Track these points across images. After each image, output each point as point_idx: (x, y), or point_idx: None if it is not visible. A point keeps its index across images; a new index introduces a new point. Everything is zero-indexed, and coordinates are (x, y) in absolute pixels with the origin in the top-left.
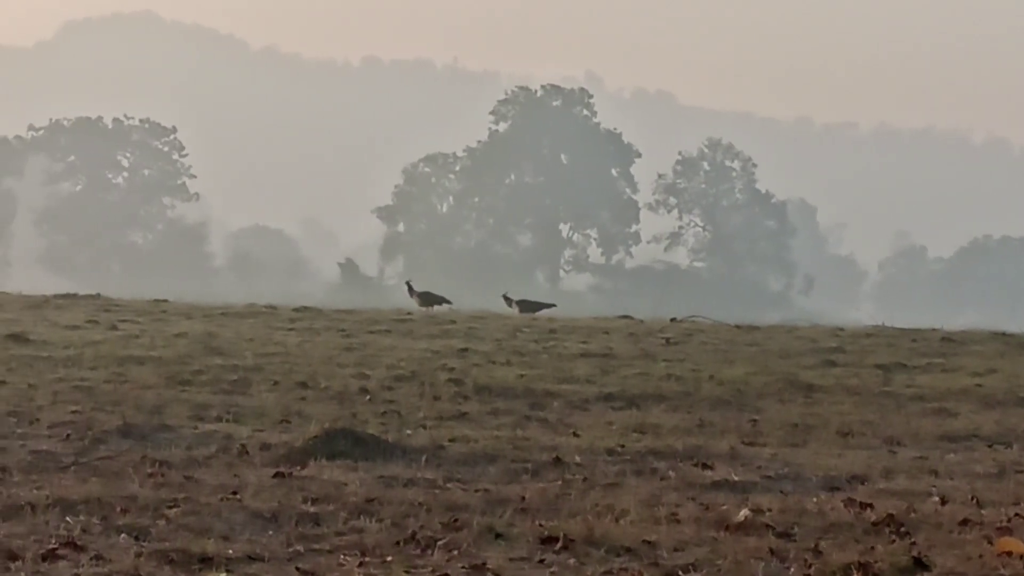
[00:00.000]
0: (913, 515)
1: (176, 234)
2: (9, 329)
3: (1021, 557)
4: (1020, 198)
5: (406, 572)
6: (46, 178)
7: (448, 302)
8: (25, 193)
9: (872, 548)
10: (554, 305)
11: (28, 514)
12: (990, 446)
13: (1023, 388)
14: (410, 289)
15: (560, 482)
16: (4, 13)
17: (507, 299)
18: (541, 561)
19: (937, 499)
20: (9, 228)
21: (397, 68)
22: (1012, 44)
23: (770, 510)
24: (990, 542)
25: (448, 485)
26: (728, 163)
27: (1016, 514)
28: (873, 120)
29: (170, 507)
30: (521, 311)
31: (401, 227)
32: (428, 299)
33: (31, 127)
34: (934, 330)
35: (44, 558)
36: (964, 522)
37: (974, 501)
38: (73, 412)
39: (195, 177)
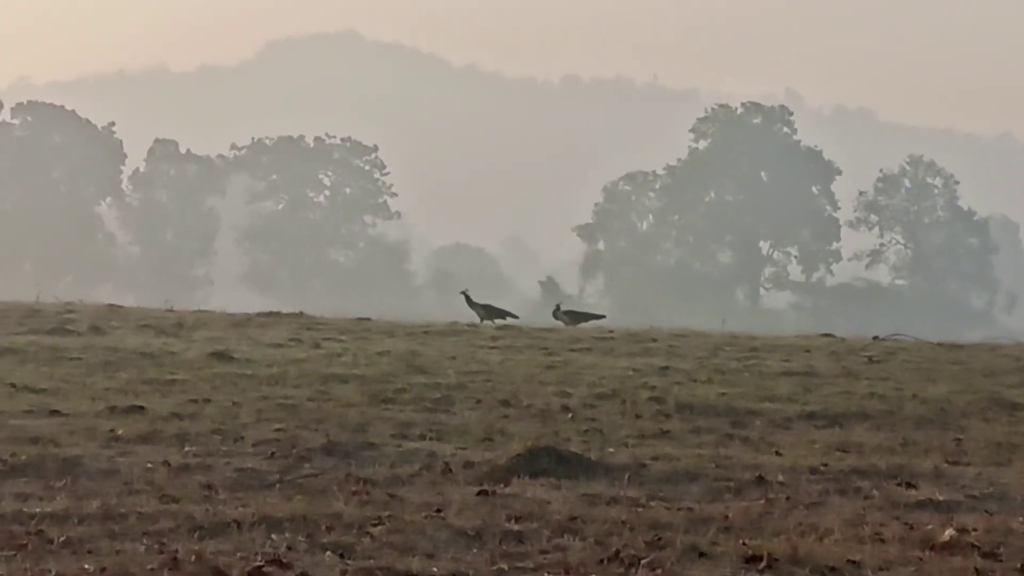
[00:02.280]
0: None
1: (378, 252)
2: (213, 347)
3: None
4: None
5: None
6: (248, 197)
7: (514, 316)
8: (228, 212)
9: None
10: (603, 316)
11: (234, 531)
12: None
13: None
14: (468, 300)
15: (763, 501)
16: (208, 33)
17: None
18: None
19: None
20: (212, 247)
21: (597, 86)
22: None
23: (975, 530)
24: None
25: (651, 503)
26: (929, 180)
27: None
28: None
29: (375, 525)
30: (570, 322)
31: (601, 245)
32: (490, 312)
33: (234, 146)
34: None
35: (250, 575)
36: None
37: None
38: (277, 430)
39: (396, 195)
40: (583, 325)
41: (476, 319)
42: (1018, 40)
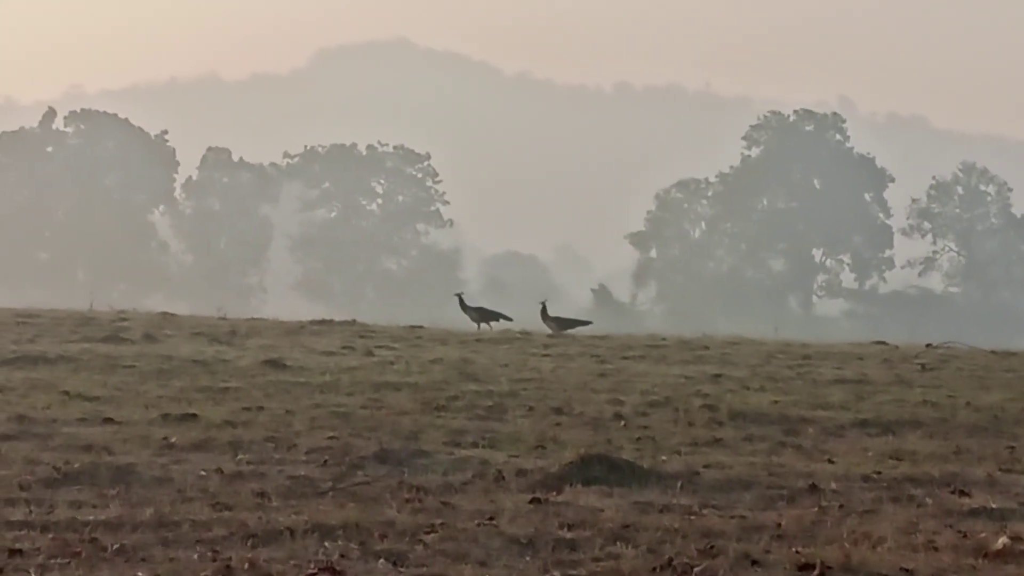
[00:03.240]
0: None
1: (430, 260)
2: (267, 355)
3: None
4: None
5: None
6: (301, 205)
7: (507, 318)
8: (280, 220)
9: None
10: (590, 322)
11: (287, 539)
12: None
13: None
14: (462, 303)
15: (816, 509)
16: (260, 42)
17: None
18: None
19: None
20: (265, 255)
21: (649, 94)
22: None
23: None
24: None
25: (704, 511)
26: (983, 187)
27: None
28: None
29: (427, 532)
30: (556, 328)
31: (653, 253)
32: (484, 315)
33: (286, 154)
34: None
35: None
36: None
37: None
38: (330, 438)
39: (448, 203)
40: (571, 331)
41: (470, 323)
42: None
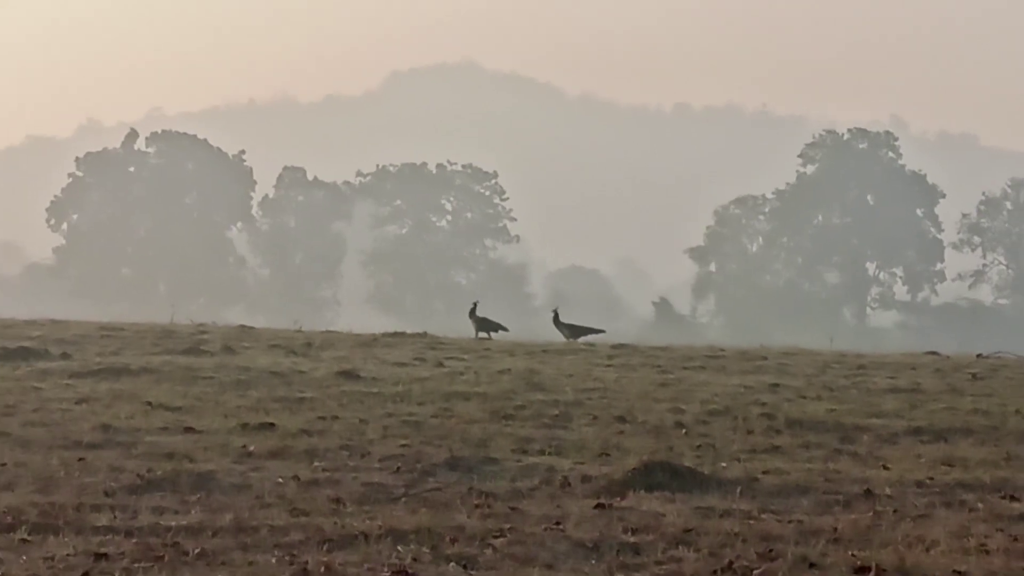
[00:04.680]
0: None
1: (497, 275)
2: (341, 366)
3: None
4: None
5: None
6: (373, 221)
7: (504, 328)
8: (354, 236)
9: None
10: (603, 331)
11: (361, 543)
12: None
13: None
14: (556, 320)
15: (871, 513)
16: (334, 65)
17: (556, 317)
18: None
19: None
20: (339, 269)
21: (707, 114)
22: None
23: None
24: None
25: (762, 516)
26: None
27: None
28: None
29: (496, 537)
30: (569, 335)
31: (712, 267)
32: (484, 325)
33: (359, 173)
34: None
35: None
36: None
37: None
38: (402, 446)
39: (515, 220)
40: (584, 338)
41: (562, 338)
42: None
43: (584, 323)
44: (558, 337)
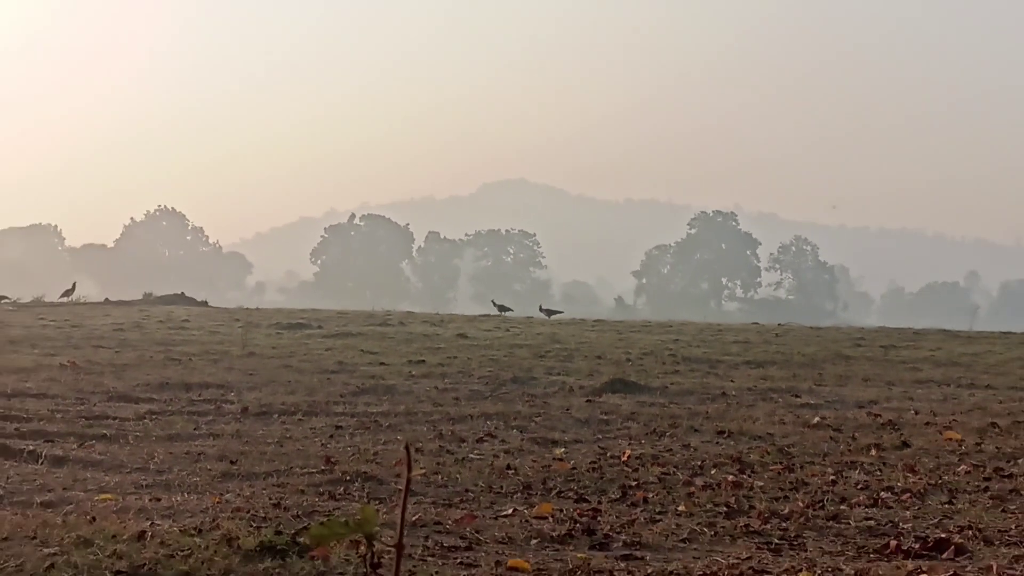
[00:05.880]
0: None
1: (536, 286)
2: (458, 331)
3: (958, 442)
4: None
5: None
6: (473, 258)
7: (560, 312)
8: (464, 266)
9: None
10: (562, 312)
11: (468, 420)
12: None
13: None
14: (540, 308)
15: (725, 405)
16: (440, 169)
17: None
18: None
19: None
20: (456, 283)
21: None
22: None
23: None
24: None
25: (670, 406)
26: None
27: (953, 420)
28: None
29: (537, 417)
30: (547, 314)
31: (644, 280)
32: (549, 312)
33: (466, 234)
34: None
35: None
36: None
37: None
38: (488, 371)
39: (544, 256)
40: (555, 316)
41: (545, 316)
42: None
43: (555, 308)
44: (557, 317)
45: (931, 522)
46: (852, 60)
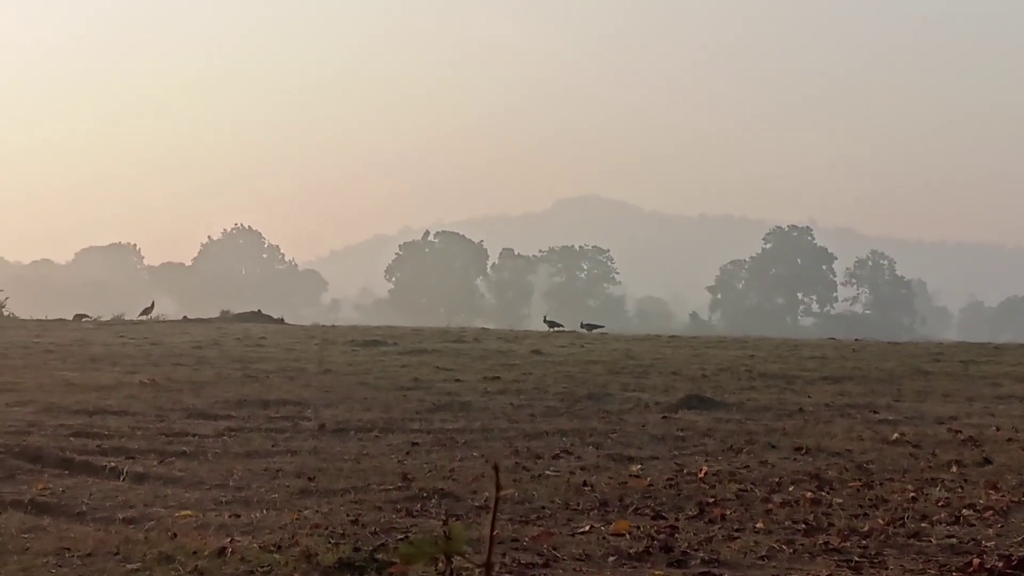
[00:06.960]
0: None
1: (610, 301)
2: (532, 347)
3: None
4: None
5: None
6: (547, 275)
7: (602, 326)
8: (536, 282)
9: None
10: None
11: (544, 436)
12: None
13: None
14: (581, 323)
15: (802, 421)
16: (510, 188)
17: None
18: None
19: None
20: (529, 300)
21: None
22: None
23: None
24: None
25: (747, 422)
26: None
27: None
28: None
29: (612, 434)
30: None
31: (719, 295)
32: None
33: (540, 250)
34: None
35: None
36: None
37: None
38: (564, 387)
39: (619, 272)
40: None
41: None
42: None
43: (596, 323)
44: (643, 330)
45: (1015, 540)
46: (929, 75)
